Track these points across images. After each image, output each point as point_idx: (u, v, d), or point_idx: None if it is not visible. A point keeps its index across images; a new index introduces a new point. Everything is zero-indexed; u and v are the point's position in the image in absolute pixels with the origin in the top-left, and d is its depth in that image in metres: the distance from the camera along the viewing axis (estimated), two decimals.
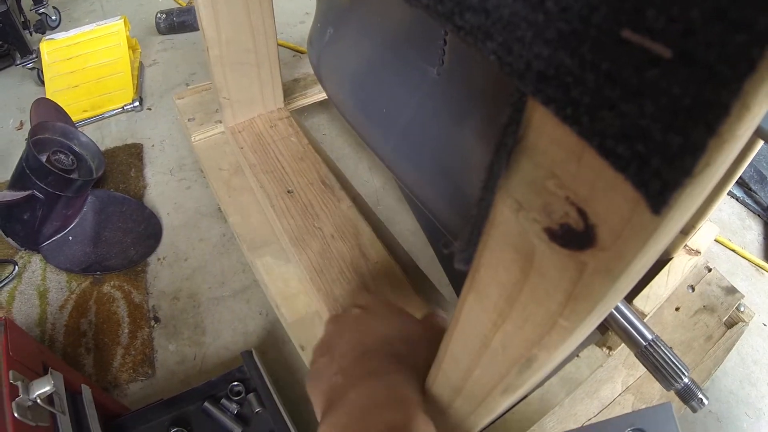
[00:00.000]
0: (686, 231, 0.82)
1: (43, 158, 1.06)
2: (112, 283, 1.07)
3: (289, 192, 0.87)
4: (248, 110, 1.00)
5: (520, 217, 0.22)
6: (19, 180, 1.08)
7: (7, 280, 1.11)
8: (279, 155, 0.94)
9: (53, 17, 1.72)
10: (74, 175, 1.11)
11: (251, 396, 0.81)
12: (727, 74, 0.12)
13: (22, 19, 1.58)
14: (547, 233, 0.21)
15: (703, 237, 0.92)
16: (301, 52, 1.58)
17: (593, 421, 0.75)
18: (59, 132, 1.14)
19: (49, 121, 1.13)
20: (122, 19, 1.49)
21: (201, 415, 0.79)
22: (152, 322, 1.01)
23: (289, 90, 1.13)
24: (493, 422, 0.72)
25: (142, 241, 1.12)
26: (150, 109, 1.47)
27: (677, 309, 0.89)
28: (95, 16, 1.77)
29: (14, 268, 1.12)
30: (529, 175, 0.20)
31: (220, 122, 1.05)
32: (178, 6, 1.79)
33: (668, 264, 0.86)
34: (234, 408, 0.80)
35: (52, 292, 1.08)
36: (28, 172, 1.05)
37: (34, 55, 1.55)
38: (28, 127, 1.40)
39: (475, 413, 0.40)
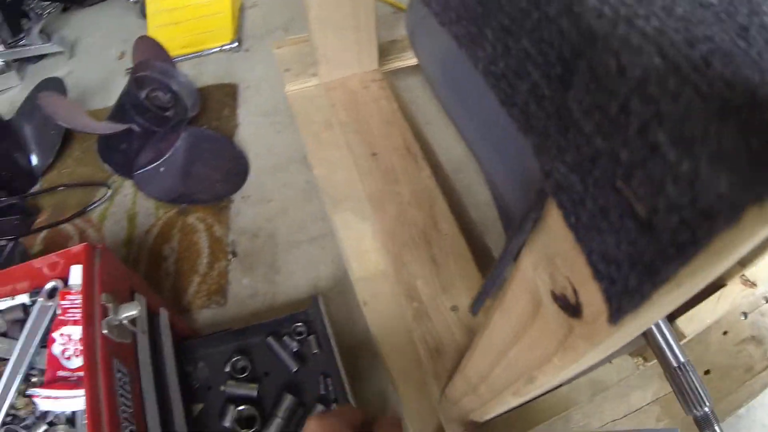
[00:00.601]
0: (743, 263, 0.81)
1: (143, 95, 1.21)
2: (196, 215, 1.20)
3: (373, 154, 0.97)
4: (343, 69, 1.10)
5: (535, 273, 0.30)
6: (119, 112, 1.23)
7: (100, 202, 1.27)
8: (369, 117, 1.03)
9: None
10: (170, 113, 1.24)
11: (311, 338, 0.91)
12: (673, 255, 0.18)
13: None
14: (552, 294, 0.29)
15: (764, 270, 0.93)
16: (401, 9, 1.65)
17: (618, 422, 0.81)
18: (159, 71, 1.27)
19: (150, 60, 1.27)
20: None
21: (263, 348, 0.90)
22: (230, 256, 1.14)
23: (385, 51, 1.21)
24: (513, 409, 0.80)
25: (230, 179, 1.24)
26: (248, 50, 1.58)
27: (725, 333, 0.90)
28: None
29: (108, 192, 1.28)
30: (543, 248, 0.28)
31: (315, 75, 1.16)
32: None
33: (720, 290, 0.86)
34: (294, 346, 0.90)
35: (140, 217, 1.23)
36: (127, 107, 1.20)
37: None
38: (129, 57, 1.55)
39: (486, 405, 0.49)
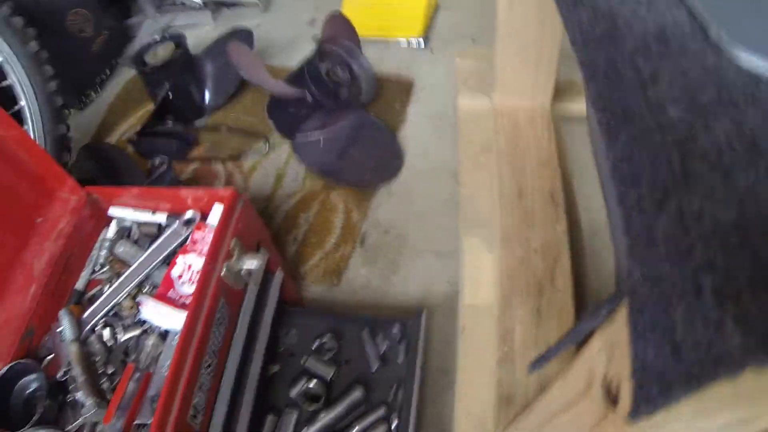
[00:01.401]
0: None
1: (324, 68, 1.36)
2: (340, 195, 1.33)
3: (519, 191, 1.06)
4: (516, 97, 1.18)
5: (598, 355, 0.38)
6: (297, 77, 1.37)
7: (255, 153, 1.47)
8: (526, 152, 1.12)
9: None
10: (345, 92, 1.38)
11: (402, 346, 1.00)
12: (685, 383, 0.25)
13: None
14: (603, 378, 0.37)
15: None
16: None
17: None
18: (345, 49, 1.41)
19: (338, 36, 1.42)
20: None
21: (354, 338, 1.01)
22: (358, 243, 1.27)
23: (561, 91, 1.27)
24: None
25: (382, 171, 1.37)
26: (432, 51, 1.71)
27: None
28: None
29: (266, 146, 1.46)
30: (610, 336, 0.36)
31: (488, 96, 1.26)
32: None
33: None
34: (383, 348, 1.00)
35: (287, 179, 1.38)
36: (306, 75, 1.35)
37: None
38: (318, 24, 1.73)
39: None
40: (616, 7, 0.40)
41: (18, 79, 1.28)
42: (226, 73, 1.56)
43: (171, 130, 1.51)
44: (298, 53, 1.72)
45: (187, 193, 0.93)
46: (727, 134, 0.29)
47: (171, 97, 1.52)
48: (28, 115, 1.29)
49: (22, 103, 1.29)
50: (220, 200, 0.90)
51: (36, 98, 1.30)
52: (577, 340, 0.41)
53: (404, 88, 1.58)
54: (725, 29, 0.34)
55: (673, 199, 0.29)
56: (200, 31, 1.95)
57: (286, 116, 1.40)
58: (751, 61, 0.33)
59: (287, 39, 1.85)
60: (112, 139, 1.60)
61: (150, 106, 1.59)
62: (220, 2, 2.03)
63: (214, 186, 1.42)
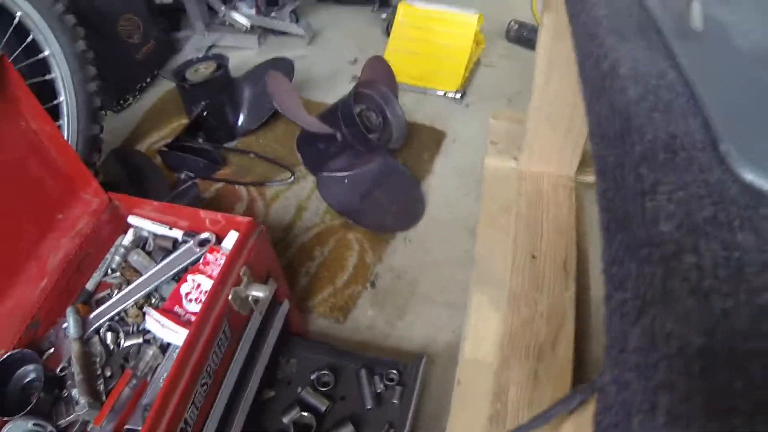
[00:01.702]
0: None
1: (357, 110, 1.41)
2: (357, 235, 1.37)
3: (533, 256, 1.10)
4: (543, 163, 1.23)
5: None
6: (330, 115, 1.42)
7: (280, 182, 1.50)
8: (545, 219, 1.16)
9: None
10: (375, 136, 1.43)
11: (398, 388, 1.03)
12: None
13: None
14: None
15: None
16: None
17: None
18: (381, 94, 1.46)
19: (377, 82, 1.48)
20: (478, 16, 1.80)
21: (352, 375, 1.05)
22: (368, 284, 1.30)
23: (588, 161, 1.31)
24: None
25: (402, 217, 1.41)
26: (468, 106, 1.76)
27: None
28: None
29: (291, 178, 1.50)
30: (577, 428, 0.40)
31: (516, 159, 1.30)
32: (534, 23, 2.04)
33: None
34: (379, 388, 1.03)
35: (308, 212, 1.42)
36: (339, 114, 1.41)
37: (390, 10, 1.98)
38: (360, 65, 1.81)
39: None
40: (632, 108, 0.42)
41: (61, 75, 1.34)
42: (263, 99, 1.62)
43: (201, 147, 1.56)
44: (336, 90, 1.78)
45: (206, 215, 0.98)
46: (714, 258, 0.31)
47: (205, 114, 1.57)
48: (65, 110, 1.35)
49: (62, 98, 1.35)
50: (237, 227, 0.95)
51: (75, 96, 1.36)
52: (546, 422, 0.44)
53: (435, 139, 1.63)
54: (735, 145, 0.37)
55: (649, 313, 0.30)
56: (244, 54, 2.03)
57: (314, 151, 1.45)
58: (756, 181, 0.35)
59: (327, 74, 1.92)
60: (143, 146, 1.65)
61: (184, 120, 1.66)
62: (268, 29, 2.11)
63: (235, 208, 1.46)
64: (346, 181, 1.38)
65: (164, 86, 1.88)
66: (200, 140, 1.59)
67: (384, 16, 2.04)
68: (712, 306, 0.28)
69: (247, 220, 0.93)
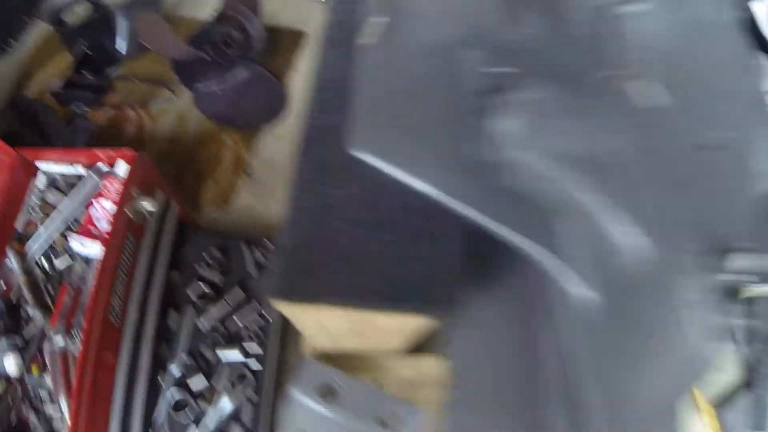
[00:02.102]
0: None
1: (222, 32, 1.69)
2: (233, 136, 1.69)
3: None
4: None
5: None
6: (198, 39, 1.72)
7: (163, 101, 1.79)
8: None
9: None
10: (238, 52, 1.71)
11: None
12: None
13: None
14: None
15: None
16: None
17: None
18: (242, 15, 1.73)
19: (238, 3, 1.75)
20: None
21: (237, 250, 1.38)
22: (244, 175, 1.63)
23: None
24: None
25: (270, 115, 1.71)
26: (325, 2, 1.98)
27: None
28: None
29: (171, 95, 1.79)
30: None
31: None
32: None
33: None
34: (260, 259, 1.36)
35: (189, 123, 1.72)
36: (205, 37, 1.70)
37: None
38: None
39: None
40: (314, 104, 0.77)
41: None
42: None
43: (88, 82, 1.81)
44: (205, 4, 1.98)
45: (100, 152, 1.27)
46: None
47: (88, 52, 1.82)
48: None
49: None
50: (124, 157, 1.25)
51: None
52: None
53: (295, 41, 1.89)
54: (354, 130, 0.67)
55: None
56: None
57: (188, 70, 1.73)
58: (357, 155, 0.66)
59: None
60: (34, 88, 1.88)
61: (68, 57, 1.88)
62: None
63: (127, 130, 1.75)
64: (218, 93, 1.68)
65: (44, 25, 2.05)
66: (87, 74, 1.83)
67: None
68: None
69: (131, 152, 1.24)
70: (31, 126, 1.67)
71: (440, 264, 0.66)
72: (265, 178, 1.63)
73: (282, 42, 1.90)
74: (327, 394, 1.01)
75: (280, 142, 1.68)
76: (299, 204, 0.80)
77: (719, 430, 1.46)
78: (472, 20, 0.74)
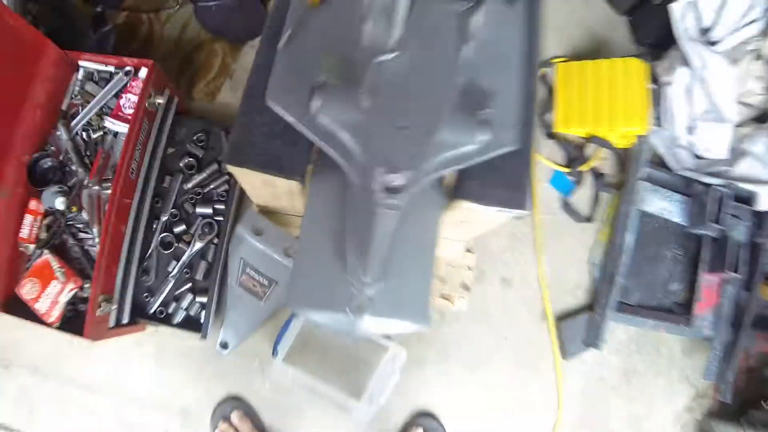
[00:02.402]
0: None
1: None
2: (222, 45, 2.24)
3: None
4: None
5: None
6: None
7: (170, 9, 2.33)
8: None
9: None
10: None
11: None
12: None
13: None
14: None
15: None
16: None
17: None
18: None
19: None
20: None
21: (218, 135, 1.97)
22: (228, 77, 2.20)
23: None
24: None
25: (251, 30, 2.24)
26: None
27: None
28: None
29: (176, 6, 2.32)
30: None
31: None
32: None
33: None
34: None
35: (188, 30, 2.29)
36: None
37: None
38: None
39: None
40: None
41: None
42: None
43: None
44: None
45: (127, 59, 1.83)
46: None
47: None
48: None
49: None
50: (146, 66, 1.82)
51: None
52: None
53: None
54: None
55: None
56: None
57: None
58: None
59: None
60: None
61: None
62: None
63: (140, 30, 2.30)
64: (213, 9, 2.22)
65: None
66: None
67: None
68: None
69: (150, 62, 1.78)
70: (66, 25, 2.11)
71: (298, 153, 1.18)
72: (243, 79, 2.17)
73: None
74: (257, 232, 1.71)
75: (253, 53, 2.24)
76: (242, 117, 1.20)
77: (557, 338, 2.14)
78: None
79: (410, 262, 1.19)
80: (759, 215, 2.18)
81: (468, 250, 1.94)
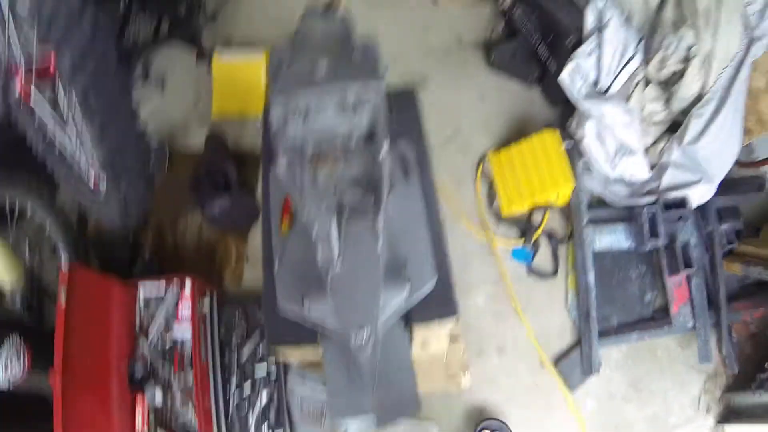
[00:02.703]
0: None
1: (209, 180, 2.85)
2: (232, 237, 2.90)
3: None
4: None
5: None
6: (197, 180, 2.92)
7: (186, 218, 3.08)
8: None
9: None
10: (222, 200, 2.85)
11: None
12: None
13: None
14: None
15: None
16: None
17: None
18: (219, 168, 2.88)
19: (216, 158, 2.91)
20: (264, 54, 3.06)
21: (252, 309, 2.63)
22: (246, 260, 2.85)
23: None
24: None
25: (250, 221, 2.92)
26: None
27: None
28: None
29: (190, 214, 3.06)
30: None
31: None
32: None
33: None
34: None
35: (204, 232, 2.95)
36: (202, 182, 2.91)
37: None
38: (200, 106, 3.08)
39: None
40: None
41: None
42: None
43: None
44: (193, 136, 3.11)
45: (175, 276, 2.48)
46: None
47: None
48: None
49: None
50: (189, 280, 2.46)
51: None
52: None
53: (257, 159, 2.93)
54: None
55: None
56: None
57: (198, 199, 2.84)
58: None
59: (181, 120, 3.20)
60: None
61: None
62: None
63: (167, 240, 2.97)
64: (217, 213, 2.82)
65: None
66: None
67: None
68: None
69: (191, 277, 2.45)
70: (109, 256, 2.84)
71: (311, 330, 1.90)
72: (258, 259, 2.56)
73: (249, 165, 3.02)
74: (303, 376, 2.36)
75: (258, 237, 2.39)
76: (266, 314, 1.88)
77: (559, 377, 2.62)
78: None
79: (395, 373, 1.81)
80: (701, 209, 2.64)
81: (453, 341, 2.44)
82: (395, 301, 1.68)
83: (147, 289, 2.49)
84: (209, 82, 3.11)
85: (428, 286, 1.75)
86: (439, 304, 1.78)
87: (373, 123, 1.25)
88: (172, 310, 2.44)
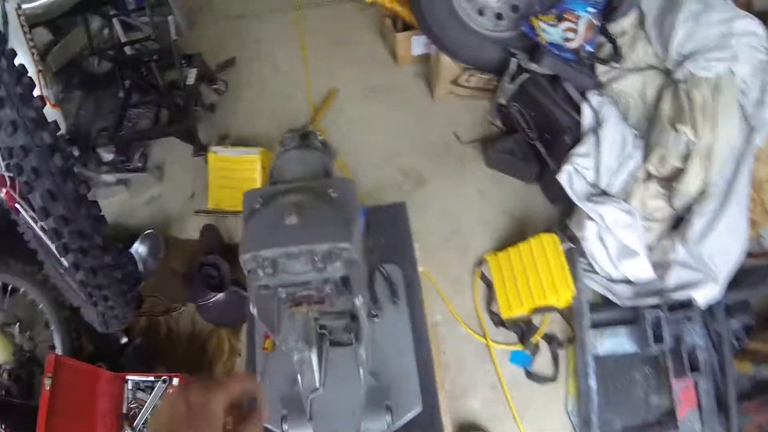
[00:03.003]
0: None
1: (205, 272, 2.87)
2: (225, 331, 2.88)
3: None
4: None
5: None
6: (192, 274, 2.92)
7: (177, 312, 3.07)
8: None
9: None
10: (215, 294, 2.86)
11: None
12: None
13: None
14: None
15: None
16: None
17: None
18: (215, 263, 2.90)
19: (213, 249, 2.96)
20: (260, 152, 3.08)
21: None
22: (237, 356, 2.81)
23: None
24: None
25: (242, 316, 2.82)
26: None
27: None
28: None
29: (182, 308, 3.03)
30: None
31: None
32: None
33: None
34: None
35: (197, 325, 2.95)
36: (196, 275, 2.89)
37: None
38: (197, 199, 3.19)
39: None
40: None
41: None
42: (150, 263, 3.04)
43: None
44: (188, 226, 3.18)
45: (163, 373, 2.47)
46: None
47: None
48: None
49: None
50: (177, 377, 2.46)
51: None
52: None
53: None
54: None
55: None
56: (116, 200, 3.31)
57: (191, 293, 2.87)
58: None
59: (179, 211, 3.25)
60: None
61: None
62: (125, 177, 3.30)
63: (161, 329, 2.97)
64: (210, 306, 2.87)
65: None
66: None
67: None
68: None
69: (180, 376, 2.42)
70: (104, 343, 2.89)
71: None
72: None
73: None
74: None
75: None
76: None
77: None
78: None
79: None
80: (709, 309, 2.56)
81: None
82: (376, 426, 1.68)
83: (136, 379, 2.54)
84: (205, 175, 3.18)
85: (412, 414, 1.74)
86: (425, 429, 1.77)
87: (346, 274, 1.26)
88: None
